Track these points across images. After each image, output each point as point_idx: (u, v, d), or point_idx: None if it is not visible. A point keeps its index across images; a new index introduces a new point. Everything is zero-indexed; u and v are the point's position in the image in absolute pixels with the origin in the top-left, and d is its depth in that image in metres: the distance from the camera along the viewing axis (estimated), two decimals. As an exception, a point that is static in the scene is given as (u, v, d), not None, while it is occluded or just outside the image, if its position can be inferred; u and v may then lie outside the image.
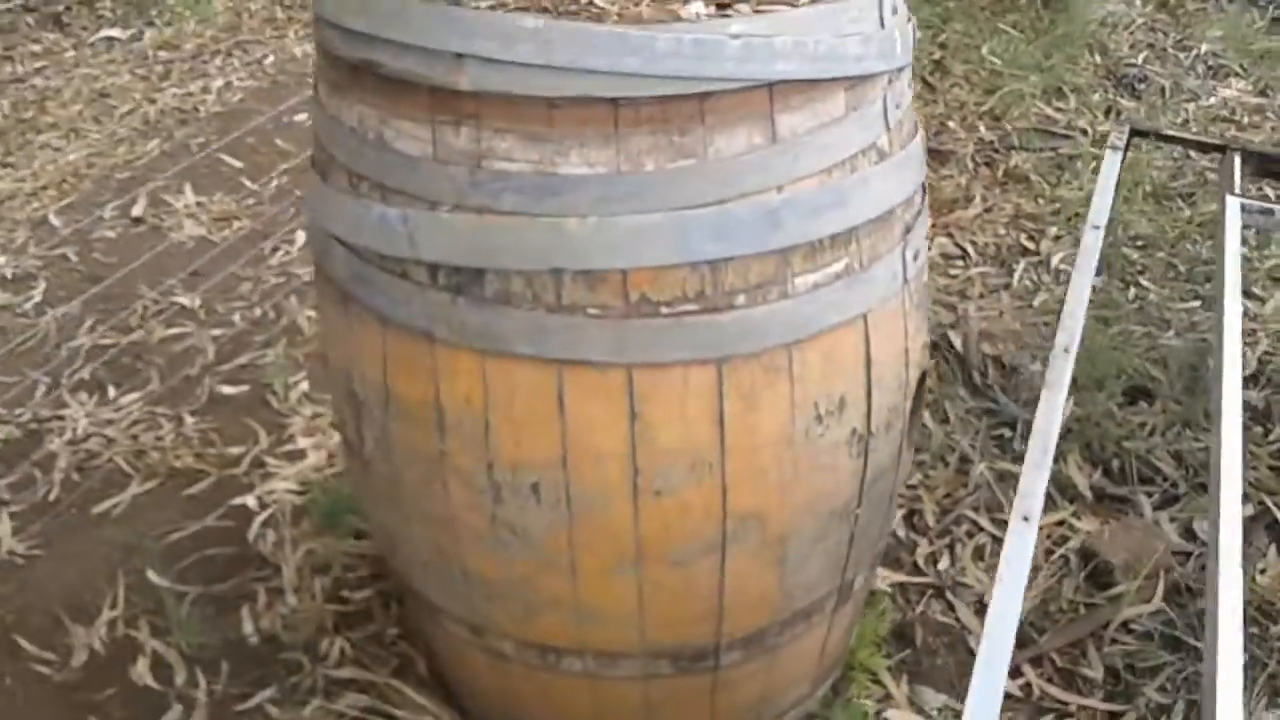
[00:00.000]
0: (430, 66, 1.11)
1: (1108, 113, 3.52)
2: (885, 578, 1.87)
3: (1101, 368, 2.31)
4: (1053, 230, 2.90)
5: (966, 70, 3.76)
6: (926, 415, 2.24)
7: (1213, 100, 3.55)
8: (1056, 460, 2.12)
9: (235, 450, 2.18)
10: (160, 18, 4.12)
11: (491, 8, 1.09)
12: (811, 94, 1.17)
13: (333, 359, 1.41)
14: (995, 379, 2.34)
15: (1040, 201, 3.04)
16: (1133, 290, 2.65)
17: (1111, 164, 1.96)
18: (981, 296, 2.65)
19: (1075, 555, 1.92)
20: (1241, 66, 3.74)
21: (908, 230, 1.35)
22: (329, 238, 1.31)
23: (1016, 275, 2.73)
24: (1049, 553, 1.93)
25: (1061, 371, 1.45)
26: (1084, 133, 3.37)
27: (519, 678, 1.51)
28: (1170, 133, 2.21)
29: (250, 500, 2.06)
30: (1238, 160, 2.01)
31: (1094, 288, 2.58)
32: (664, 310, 1.18)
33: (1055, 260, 2.78)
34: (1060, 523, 2.00)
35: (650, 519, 1.28)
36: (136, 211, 2.97)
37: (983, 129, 3.40)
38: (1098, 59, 3.83)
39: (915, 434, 1.52)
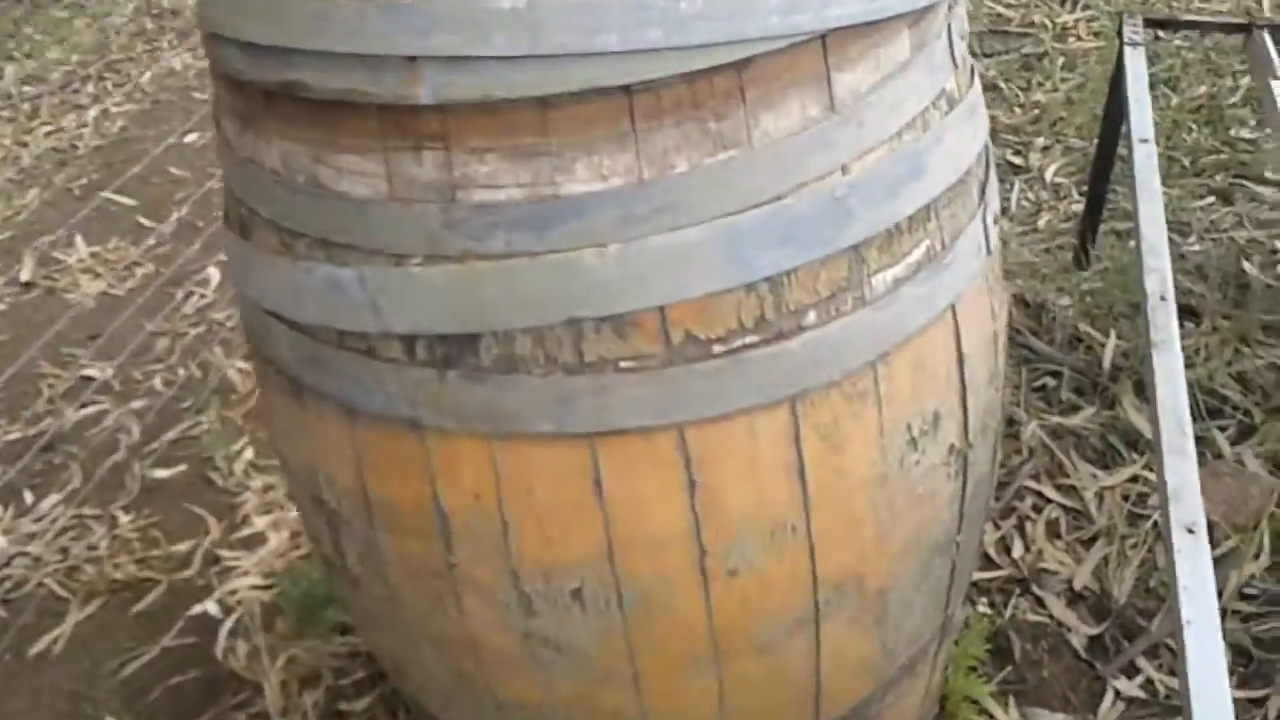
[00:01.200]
0: (374, 79, 0.81)
1: (1062, 2, 3.28)
2: (961, 578, 1.63)
3: (1133, 289, 2.08)
4: (1039, 141, 2.66)
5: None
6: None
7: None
8: (1110, 405, 1.90)
9: (183, 547, 1.87)
10: (19, 49, 3.69)
11: (438, -15, 0.79)
12: (872, 39, 0.89)
13: (290, 459, 1.11)
14: (1021, 320, 2.10)
15: (1017, 111, 2.80)
16: (1141, 197, 2.41)
17: (1136, 62, 1.71)
18: (981, 229, 2.40)
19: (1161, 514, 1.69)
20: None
21: (983, 189, 1.08)
22: (264, 314, 1.01)
23: (1013, 197, 2.49)
24: (1133, 518, 1.70)
25: (1167, 326, 1.20)
26: (1045, 27, 3.13)
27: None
28: (1190, 18, 1.97)
29: (211, 606, 1.75)
30: (1268, 39, 1.76)
31: (1111, 203, 2.36)
32: (717, 349, 0.91)
33: (1050, 173, 2.54)
34: (1134, 479, 1.77)
35: (726, 604, 1.01)
36: (24, 275, 2.61)
37: (936, 43, 3.14)
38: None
39: (1002, 427, 1.26)
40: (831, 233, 0.91)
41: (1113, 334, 2.00)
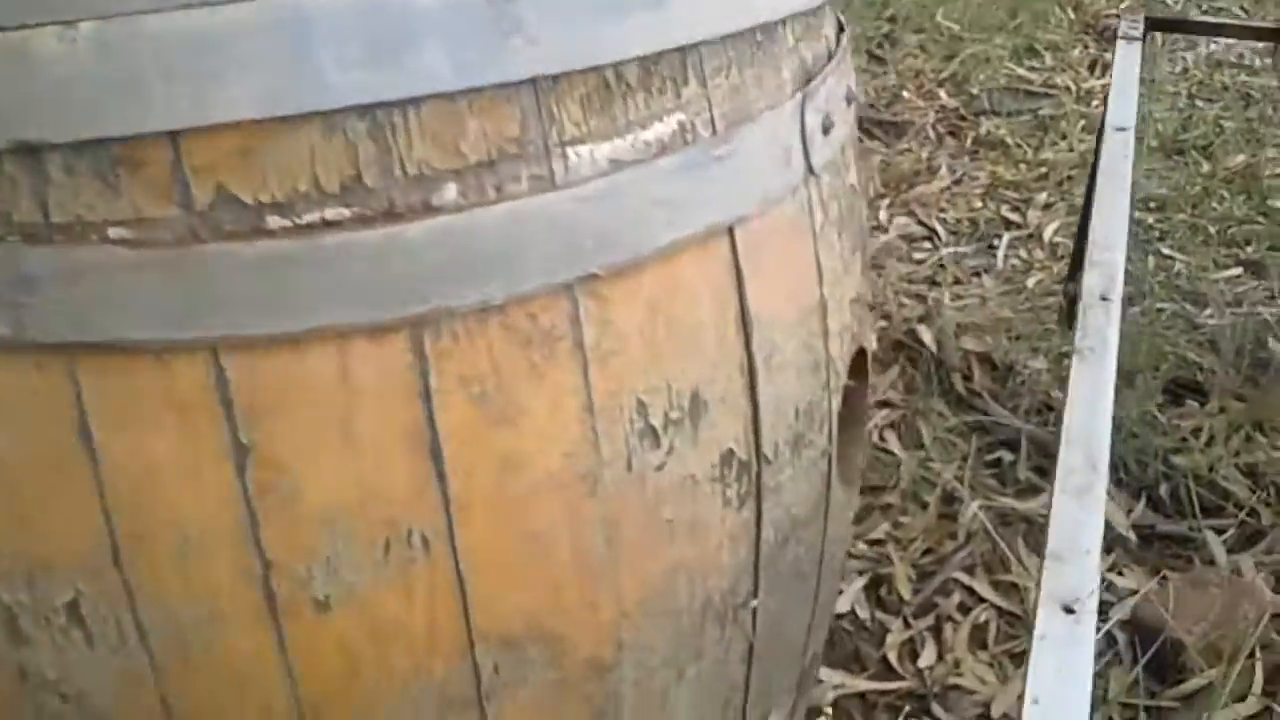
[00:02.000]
0: None
1: (1092, 68, 2.95)
2: (837, 686, 1.23)
3: (1130, 358, 1.69)
4: (1041, 198, 2.30)
5: (921, 40, 3.19)
6: (892, 439, 1.62)
7: (1214, 47, 2.98)
8: (1079, 490, 1.49)
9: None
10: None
11: None
12: None
13: None
14: (983, 383, 1.71)
15: (1022, 168, 2.45)
16: (1152, 260, 2.04)
17: (1128, 56, 1.36)
18: (958, 283, 2.03)
19: (1124, 631, 1.28)
20: (1242, 8, 3.19)
21: (809, 75, 0.73)
22: None
23: (1000, 254, 2.12)
24: (1084, 630, 1.29)
25: (1102, 330, 0.83)
26: (1067, 90, 2.80)
27: None
28: (1204, 20, 1.62)
29: None
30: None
31: (1078, 247, 2.00)
32: (274, 222, 0.56)
33: (1049, 232, 2.17)
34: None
35: (317, 658, 0.64)
36: None
37: (944, 96, 2.82)
38: (1071, 14, 3.27)
39: (858, 458, 0.88)
40: (485, 52, 0.56)
41: (1091, 404, 1.61)
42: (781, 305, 0.71)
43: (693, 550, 0.71)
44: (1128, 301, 1.87)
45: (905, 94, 2.85)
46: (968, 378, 1.71)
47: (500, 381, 0.60)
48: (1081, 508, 0.66)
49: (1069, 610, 0.59)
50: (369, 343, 0.58)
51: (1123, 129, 1.17)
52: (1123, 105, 1.23)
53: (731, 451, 0.70)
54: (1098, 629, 1.35)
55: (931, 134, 2.64)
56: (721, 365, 0.68)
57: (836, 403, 0.79)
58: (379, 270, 0.56)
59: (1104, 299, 0.87)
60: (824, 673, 1.25)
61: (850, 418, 0.85)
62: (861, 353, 0.84)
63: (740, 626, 0.77)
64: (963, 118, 2.72)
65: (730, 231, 0.67)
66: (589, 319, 0.62)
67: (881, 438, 1.63)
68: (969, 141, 2.59)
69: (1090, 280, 0.89)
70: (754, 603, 0.77)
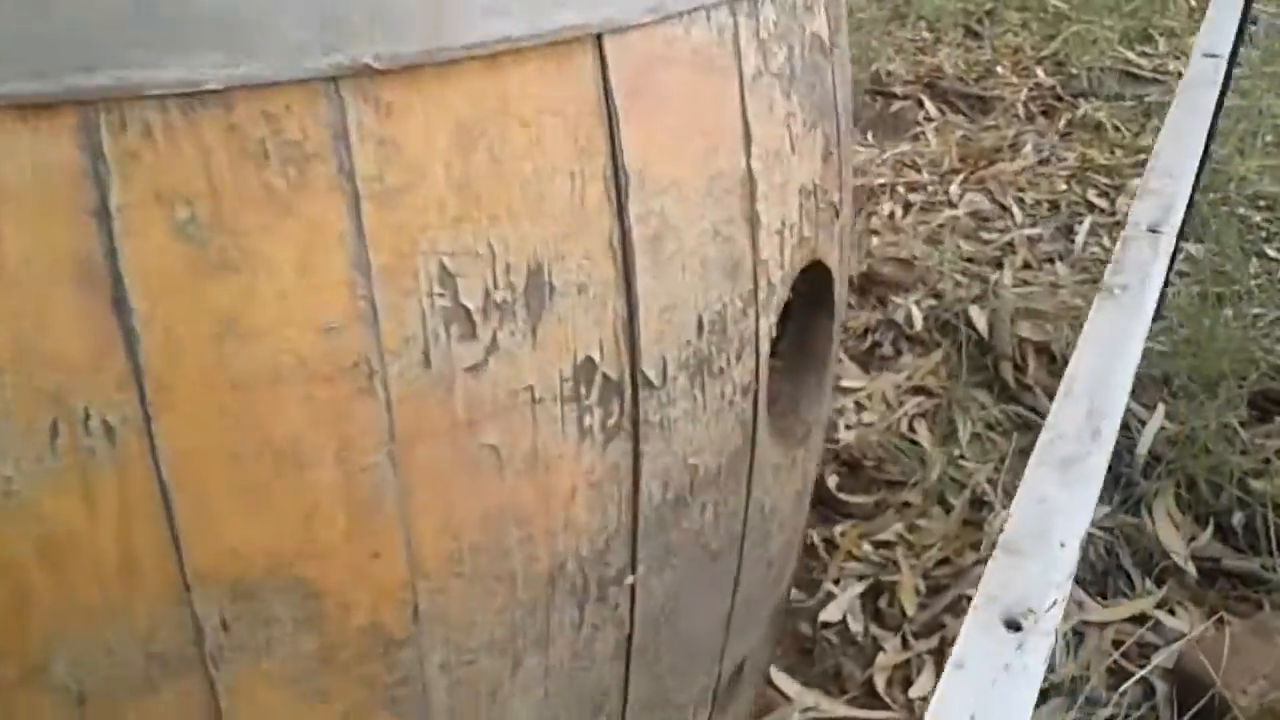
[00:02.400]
0: None
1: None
2: (808, 709, 1.02)
3: (1214, 363, 1.44)
4: (1134, 184, 2.04)
5: (1024, 17, 2.93)
6: (922, 429, 1.40)
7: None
8: (1133, 508, 1.27)
9: None
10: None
11: None
12: None
13: None
14: (1037, 376, 1.48)
15: (1118, 152, 2.19)
16: (1255, 262, 1.77)
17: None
18: (1027, 267, 1.79)
19: (1165, 681, 1.05)
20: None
21: None
22: None
23: (1079, 239, 1.87)
24: (1115, 675, 1.06)
25: (1143, 267, 0.60)
26: (1179, 77, 2.51)
27: None
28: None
29: None
30: None
31: (1197, 257, 1.75)
32: None
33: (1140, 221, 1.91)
34: (1138, 618, 1.13)
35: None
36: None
37: (1040, 74, 2.56)
38: (1193, 1, 2.97)
39: (812, 413, 0.68)
40: None
41: (1160, 409, 1.37)
42: (680, 167, 0.51)
43: (531, 494, 0.52)
44: (1217, 301, 1.63)
45: (999, 70, 2.60)
46: (1020, 368, 1.48)
47: (220, 208, 0.42)
48: (1064, 482, 0.45)
49: (1013, 626, 0.38)
50: (17, 124, 0.40)
51: (1213, 55, 0.94)
52: (1217, 32, 1.00)
53: (592, 363, 0.51)
54: (1122, 673, 1.10)
55: (1021, 112, 2.39)
56: (579, 235, 0.49)
57: (768, 324, 0.59)
58: (26, 18, 0.38)
59: (1153, 231, 0.65)
60: (793, 689, 1.04)
61: (801, 355, 0.65)
62: (819, 268, 0.63)
63: (610, 608, 0.58)
64: (1059, 98, 2.46)
65: (598, 42, 0.47)
66: (362, 133, 0.43)
67: (910, 427, 1.41)
68: (1062, 122, 2.33)
69: (1140, 209, 0.68)
70: (630, 579, 0.57)
